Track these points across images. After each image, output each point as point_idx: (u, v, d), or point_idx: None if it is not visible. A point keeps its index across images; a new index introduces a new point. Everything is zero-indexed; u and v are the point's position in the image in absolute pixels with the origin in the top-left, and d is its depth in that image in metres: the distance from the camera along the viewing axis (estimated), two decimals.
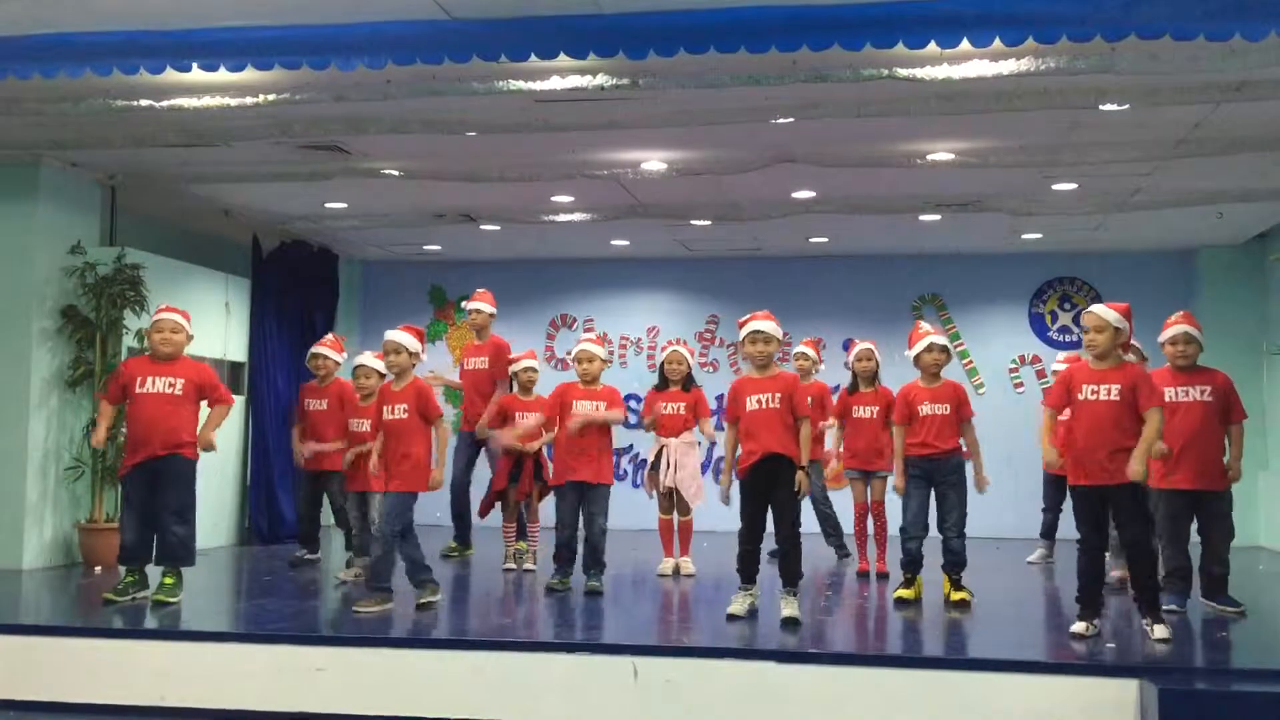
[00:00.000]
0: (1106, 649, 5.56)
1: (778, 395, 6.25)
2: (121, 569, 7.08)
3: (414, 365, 6.82)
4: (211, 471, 10.08)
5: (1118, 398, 5.74)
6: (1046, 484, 9.16)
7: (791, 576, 6.23)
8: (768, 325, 6.36)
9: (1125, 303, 6.06)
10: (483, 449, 8.98)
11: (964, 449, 7.08)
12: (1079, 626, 5.85)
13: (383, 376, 7.33)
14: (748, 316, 6.48)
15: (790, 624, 6.00)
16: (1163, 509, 6.61)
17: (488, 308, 9.12)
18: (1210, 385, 6.64)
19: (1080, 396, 5.85)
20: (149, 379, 6.86)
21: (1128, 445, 5.69)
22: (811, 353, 9.06)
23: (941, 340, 7.10)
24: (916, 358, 7.09)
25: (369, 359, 7.72)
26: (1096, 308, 5.98)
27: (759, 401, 6.28)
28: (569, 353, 12.87)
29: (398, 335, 6.81)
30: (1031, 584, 8.54)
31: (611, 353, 13.20)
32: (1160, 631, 5.66)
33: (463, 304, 9.72)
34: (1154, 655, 5.40)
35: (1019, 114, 7.24)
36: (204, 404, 7.13)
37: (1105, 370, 5.84)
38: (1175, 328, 6.72)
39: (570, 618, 6.62)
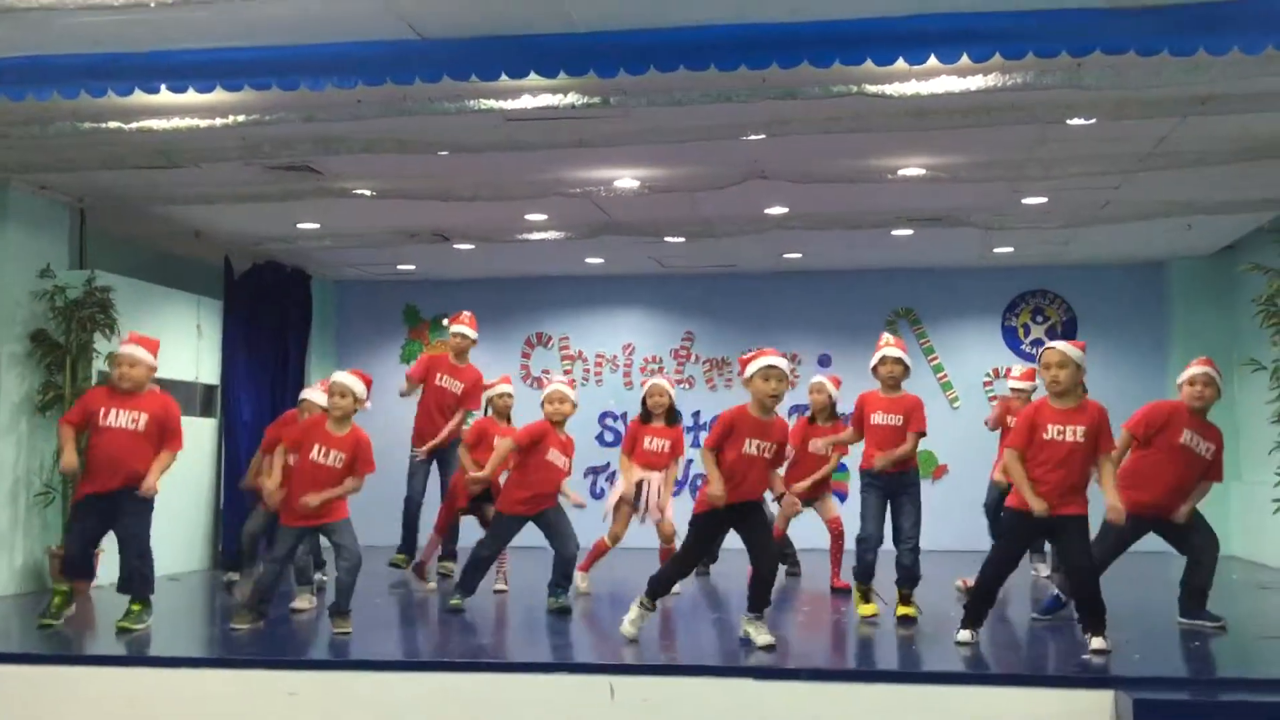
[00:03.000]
0: (1082, 660, 5.58)
1: (773, 446, 6.03)
2: (53, 592, 7.01)
3: (357, 411, 6.74)
4: (183, 495, 10.01)
5: (1084, 439, 5.78)
6: (990, 490, 9.24)
7: (763, 603, 6.09)
8: (782, 362, 6.03)
9: (1083, 340, 6.07)
10: (434, 465, 8.99)
11: (918, 460, 7.10)
12: (964, 634, 6.03)
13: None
14: (753, 353, 6.13)
15: (770, 649, 5.88)
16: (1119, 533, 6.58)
17: (472, 333, 8.99)
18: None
19: (1045, 436, 5.85)
20: (113, 411, 6.70)
21: (1081, 481, 5.82)
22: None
23: (897, 353, 7.04)
24: (874, 369, 7.10)
25: (317, 394, 7.57)
26: (1058, 344, 5.95)
27: (757, 447, 5.97)
28: (545, 372, 12.99)
29: (346, 379, 6.73)
30: (1003, 595, 8.53)
31: (587, 371, 13.22)
32: (1098, 643, 5.72)
33: (445, 322, 9.57)
34: (1092, 664, 5.48)
35: (987, 129, 7.30)
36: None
37: (1070, 410, 5.85)
38: (1195, 369, 6.67)
39: (546, 638, 6.59)
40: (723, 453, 5.97)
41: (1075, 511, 5.79)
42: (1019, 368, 9.43)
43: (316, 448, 6.61)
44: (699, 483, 12.50)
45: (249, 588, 7.00)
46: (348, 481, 6.63)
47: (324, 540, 6.91)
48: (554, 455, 7.33)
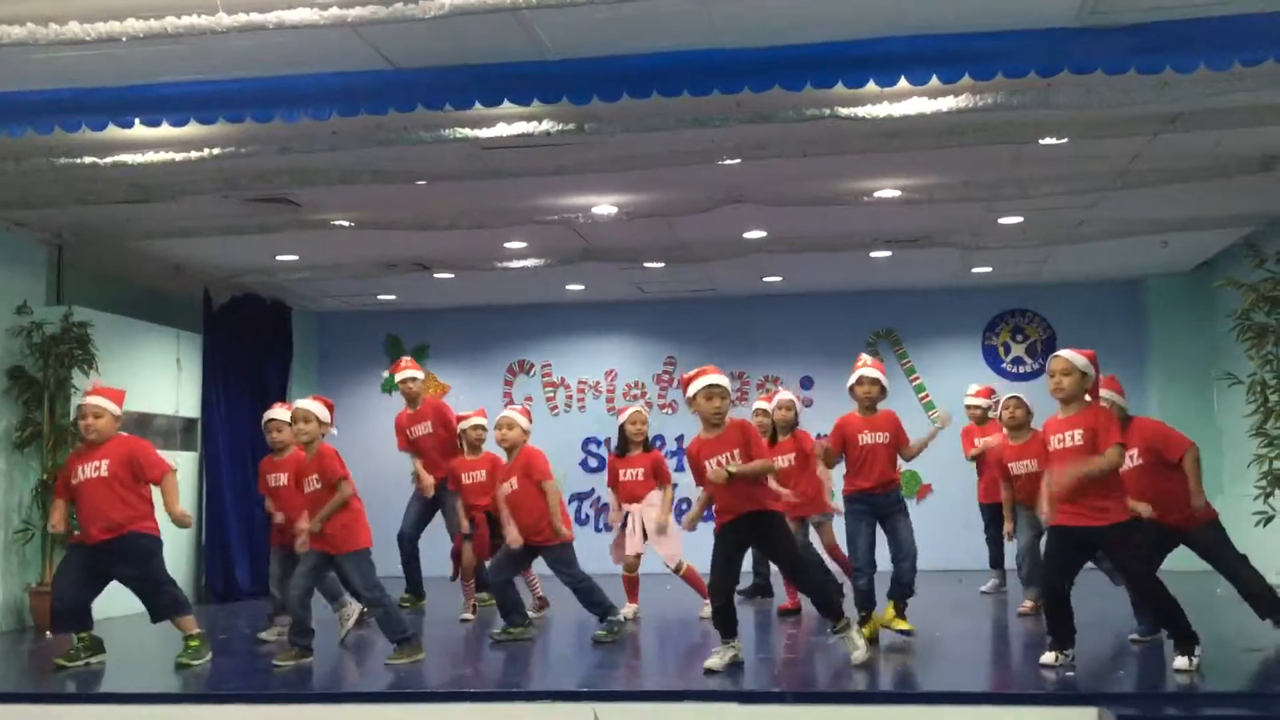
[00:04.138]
0: (1065, 677, 5.57)
1: (736, 452, 5.97)
2: (73, 636, 6.90)
3: (323, 435, 6.72)
4: (166, 530, 9.90)
5: (1082, 441, 5.68)
6: (984, 514, 9.29)
7: (833, 612, 6.07)
8: (722, 379, 6.08)
9: (1091, 350, 6.02)
10: (439, 510, 9.04)
11: (900, 479, 7.04)
12: (1049, 657, 5.80)
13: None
14: (695, 372, 6.17)
15: (863, 665, 5.88)
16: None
17: (419, 374, 9.17)
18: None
19: (1051, 447, 5.83)
20: (80, 468, 6.72)
21: (1103, 488, 5.64)
22: (769, 408, 8.91)
23: (874, 373, 7.01)
24: (851, 390, 7.08)
25: (278, 411, 7.64)
26: (1063, 352, 5.87)
27: (718, 463, 5.97)
28: (527, 399, 12.98)
29: (307, 404, 6.74)
30: (988, 614, 8.55)
31: (570, 398, 13.21)
32: (1180, 663, 5.58)
33: (385, 373, 9.71)
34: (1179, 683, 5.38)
35: (961, 149, 7.35)
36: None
37: (1072, 416, 5.78)
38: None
39: (530, 665, 6.56)
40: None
41: (1111, 520, 5.62)
42: (975, 386, 9.59)
43: (305, 481, 6.67)
44: (684, 505, 12.53)
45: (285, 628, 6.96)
46: (334, 499, 6.57)
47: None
48: (504, 488, 7.38)
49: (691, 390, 6.10)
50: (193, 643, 6.67)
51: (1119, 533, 5.64)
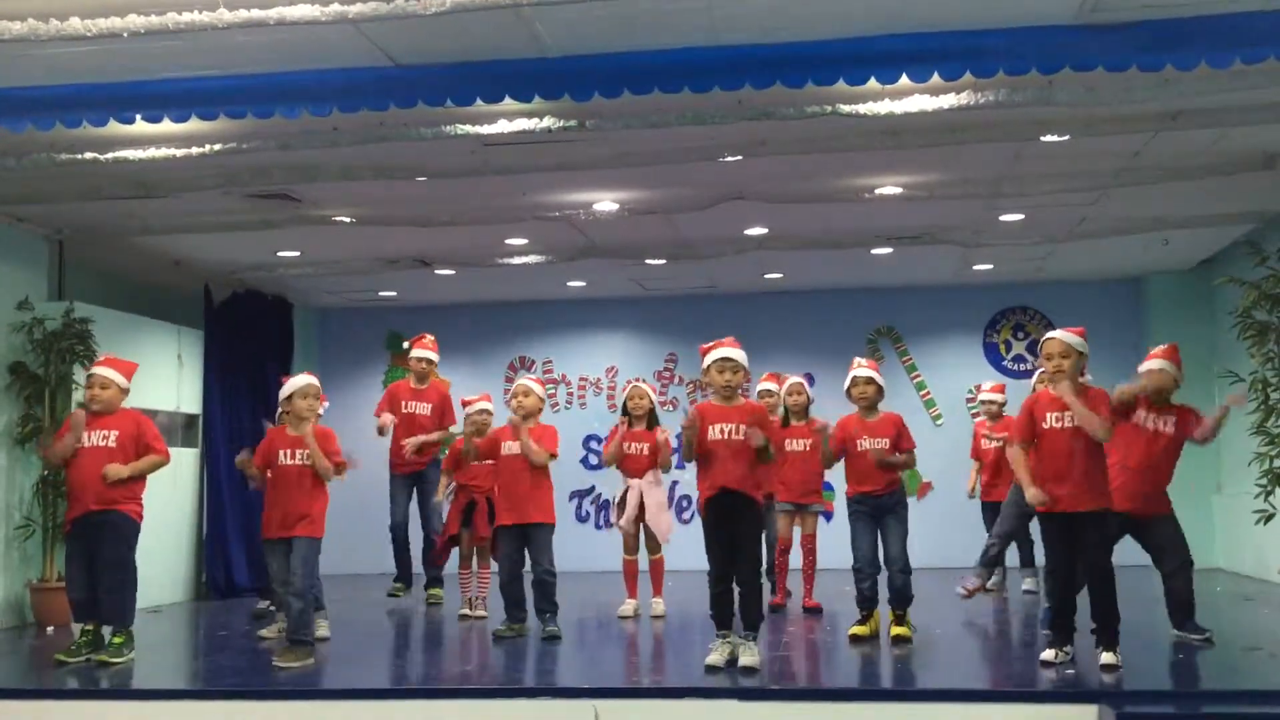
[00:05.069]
0: (1065, 675, 5.57)
1: (739, 426, 5.94)
2: (75, 629, 6.92)
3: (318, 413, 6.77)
4: (165, 526, 9.94)
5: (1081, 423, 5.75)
6: (985, 513, 9.28)
7: (751, 620, 5.97)
8: (737, 353, 6.06)
9: (1081, 327, 6.09)
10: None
11: (902, 478, 7.04)
12: (1048, 654, 5.81)
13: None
14: (713, 344, 6.17)
15: (748, 672, 5.72)
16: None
17: (435, 357, 9.10)
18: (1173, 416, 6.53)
19: (1044, 425, 5.83)
20: (86, 433, 6.70)
21: (1093, 471, 5.72)
22: (776, 388, 8.95)
23: (868, 373, 7.00)
24: (847, 393, 7.08)
25: None
26: (1057, 333, 5.97)
27: (723, 431, 5.94)
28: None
29: (313, 381, 6.73)
30: (987, 612, 8.55)
31: (571, 395, 13.21)
32: (1108, 658, 5.63)
33: (405, 344, 9.59)
34: (1103, 681, 5.40)
35: (962, 146, 7.35)
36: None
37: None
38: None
39: (530, 662, 6.56)
40: (702, 444, 6.00)
41: (1094, 507, 5.67)
42: (989, 382, 9.61)
43: (281, 453, 6.60)
44: (684, 503, 12.53)
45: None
46: (341, 474, 6.59)
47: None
48: (509, 447, 7.27)
49: (706, 361, 6.12)
50: (117, 639, 6.64)
51: (1097, 519, 5.71)
